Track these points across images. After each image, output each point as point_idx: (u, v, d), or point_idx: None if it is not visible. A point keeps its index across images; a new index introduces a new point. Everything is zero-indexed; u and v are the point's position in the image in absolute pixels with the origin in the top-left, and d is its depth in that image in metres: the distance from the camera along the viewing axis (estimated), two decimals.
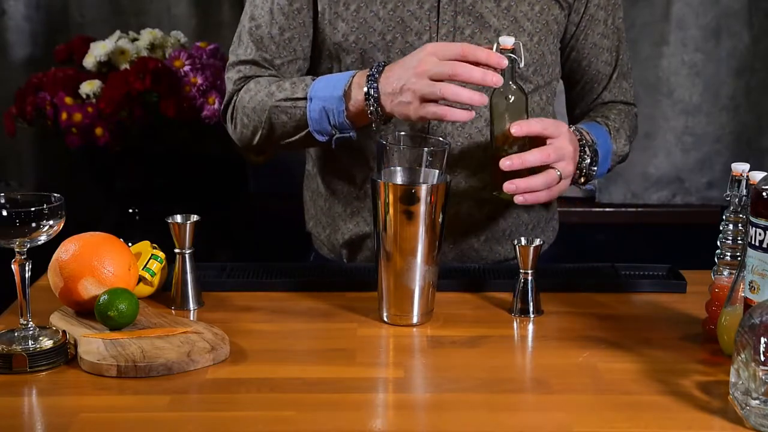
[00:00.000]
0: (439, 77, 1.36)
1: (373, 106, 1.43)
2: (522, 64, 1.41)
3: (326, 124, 1.49)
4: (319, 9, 1.56)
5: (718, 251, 1.30)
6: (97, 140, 2.18)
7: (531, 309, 1.38)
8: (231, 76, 1.62)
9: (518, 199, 1.40)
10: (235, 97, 1.60)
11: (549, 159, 1.41)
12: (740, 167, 1.28)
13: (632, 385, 1.16)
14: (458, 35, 1.53)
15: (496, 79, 1.36)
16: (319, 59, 1.62)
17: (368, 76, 1.43)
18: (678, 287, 1.49)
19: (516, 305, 1.38)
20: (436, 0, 1.52)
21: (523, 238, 1.37)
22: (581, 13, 1.62)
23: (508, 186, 1.39)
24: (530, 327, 1.37)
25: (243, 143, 1.63)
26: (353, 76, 1.46)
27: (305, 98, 1.49)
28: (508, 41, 1.37)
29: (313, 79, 1.52)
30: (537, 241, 1.36)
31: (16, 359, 1.18)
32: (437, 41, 1.53)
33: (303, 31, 1.58)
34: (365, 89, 1.43)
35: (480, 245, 1.66)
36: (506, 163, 1.38)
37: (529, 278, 1.37)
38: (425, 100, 1.38)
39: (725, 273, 1.29)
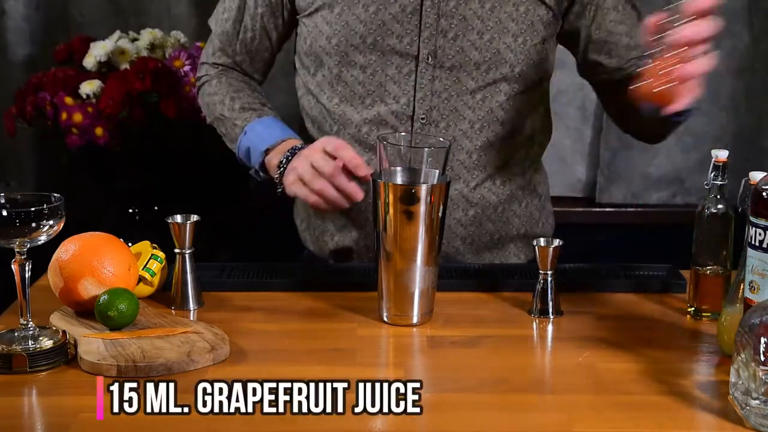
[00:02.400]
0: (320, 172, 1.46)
1: (280, 175, 1.55)
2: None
3: (248, 161, 1.63)
4: (308, 11, 1.57)
5: None
6: (97, 140, 2.18)
7: (550, 309, 1.37)
8: (204, 59, 1.75)
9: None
10: (200, 83, 1.74)
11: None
12: (722, 154, 1.32)
13: (632, 385, 1.16)
14: (441, 38, 1.53)
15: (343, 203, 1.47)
16: (303, 62, 1.63)
17: (290, 149, 1.54)
18: (678, 287, 1.49)
19: (535, 306, 1.38)
20: (419, 3, 1.52)
21: (542, 239, 1.37)
22: (585, 5, 1.58)
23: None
24: (530, 327, 1.36)
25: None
26: (283, 140, 1.58)
27: (242, 128, 1.63)
28: (722, 154, 1.33)
29: (259, 116, 1.62)
30: (556, 242, 1.36)
31: (16, 359, 1.18)
32: (419, 44, 1.53)
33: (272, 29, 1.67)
34: (281, 159, 1.54)
35: (466, 248, 1.64)
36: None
37: (549, 279, 1.37)
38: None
39: None
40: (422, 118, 1.56)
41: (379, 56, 1.54)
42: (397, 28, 1.53)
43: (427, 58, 1.54)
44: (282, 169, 1.54)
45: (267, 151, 1.58)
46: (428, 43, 1.53)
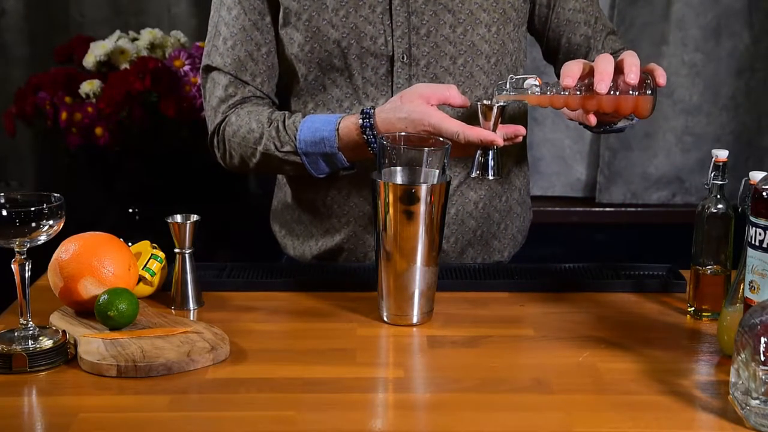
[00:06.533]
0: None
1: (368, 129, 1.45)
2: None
3: (326, 168, 1.52)
4: (280, 21, 1.56)
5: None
6: (97, 140, 2.18)
7: (490, 167, 1.40)
8: (213, 103, 1.60)
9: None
10: (219, 128, 1.60)
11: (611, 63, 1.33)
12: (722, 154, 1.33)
13: (632, 385, 1.16)
14: (413, 35, 1.53)
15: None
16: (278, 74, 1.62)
17: (362, 113, 1.45)
18: (678, 287, 1.49)
19: (476, 165, 1.41)
20: (388, 2, 1.52)
21: (485, 99, 1.39)
22: None
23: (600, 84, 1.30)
24: (530, 327, 1.37)
25: (232, 170, 1.64)
26: (339, 120, 1.48)
27: (296, 152, 1.51)
28: (722, 154, 1.34)
29: (295, 126, 1.51)
30: (502, 101, 1.37)
31: (16, 359, 1.18)
32: (393, 43, 1.53)
33: (273, 45, 1.59)
34: (360, 118, 1.45)
35: (450, 247, 1.63)
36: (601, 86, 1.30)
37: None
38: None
39: None
40: None
41: (354, 59, 1.54)
42: (369, 30, 1.53)
43: (402, 57, 1.54)
44: (363, 122, 1.45)
45: (339, 122, 1.48)
46: (401, 42, 1.53)
